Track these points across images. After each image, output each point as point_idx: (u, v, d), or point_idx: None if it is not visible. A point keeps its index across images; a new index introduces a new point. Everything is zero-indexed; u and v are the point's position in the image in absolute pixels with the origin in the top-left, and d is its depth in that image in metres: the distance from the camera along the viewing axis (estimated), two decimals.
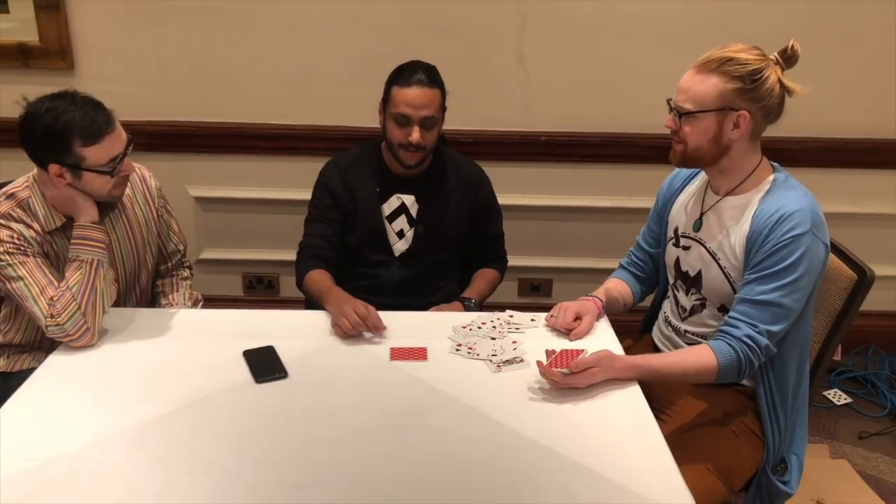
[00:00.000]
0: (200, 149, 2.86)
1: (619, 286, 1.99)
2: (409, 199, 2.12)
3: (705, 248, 1.75)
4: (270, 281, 3.12)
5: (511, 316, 1.89)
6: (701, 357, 1.63)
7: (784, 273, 1.59)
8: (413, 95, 1.95)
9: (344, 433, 1.47)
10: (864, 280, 1.71)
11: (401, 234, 2.13)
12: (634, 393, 1.58)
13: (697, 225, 1.77)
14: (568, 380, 1.56)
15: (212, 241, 3.03)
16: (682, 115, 1.62)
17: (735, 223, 1.68)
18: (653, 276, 2.01)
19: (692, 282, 1.80)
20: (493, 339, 1.79)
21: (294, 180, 2.87)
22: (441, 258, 2.17)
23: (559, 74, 2.76)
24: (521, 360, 1.70)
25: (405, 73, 1.98)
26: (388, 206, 2.12)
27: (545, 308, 1.89)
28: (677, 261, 1.84)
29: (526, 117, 2.83)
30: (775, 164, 1.72)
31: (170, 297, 2.06)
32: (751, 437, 1.73)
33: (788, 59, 1.61)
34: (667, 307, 1.93)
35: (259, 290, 3.13)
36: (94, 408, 1.52)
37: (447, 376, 1.64)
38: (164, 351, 1.73)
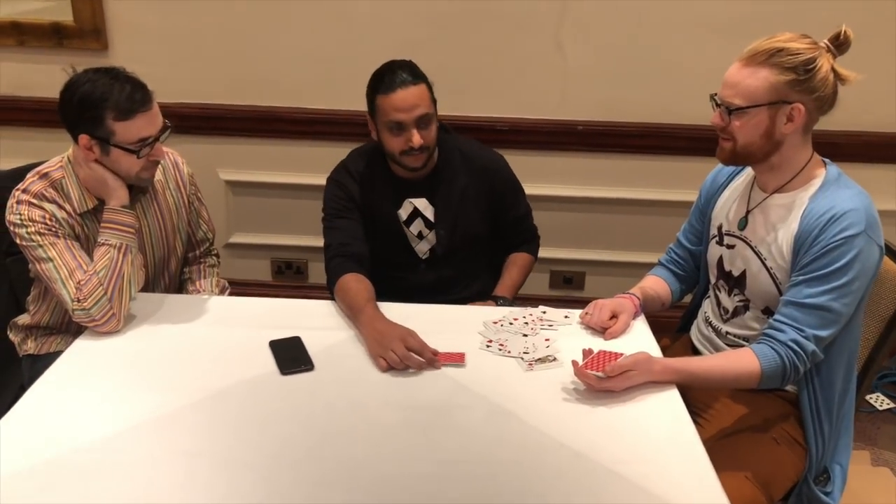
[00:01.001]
0: (232, 132, 2.83)
1: (657, 284, 1.92)
2: (421, 203, 2.03)
3: (750, 247, 1.67)
4: (299, 267, 3.09)
5: (544, 312, 1.83)
6: (744, 361, 1.56)
7: (834, 276, 1.51)
8: (401, 98, 1.84)
9: (368, 429, 1.43)
10: None
11: (420, 236, 2.05)
12: (672, 398, 1.52)
13: (742, 223, 1.69)
14: (603, 383, 1.50)
15: (241, 225, 3.00)
16: (731, 111, 1.54)
17: (783, 222, 1.61)
18: (693, 274, 1.94)
19: (735, 282, 1.72)
20: (525, 335, 1.74)
21: (325, 166, 2.76)
22: (469, 255, 2.10)
23: (598, 62, 2.68)
24: (554, 359, 1.64)
25: (385, 79, 1.87)
26: (403, 212, 2.03)
27: (577, 302, 1.84)
28: (720, 260, 1.76)
29: (563, 106, 2.75)
30: (827, 159, 1.64)
31: (197, 283, 2.04)
32: (793, 446, 1.66)
33: (840, 45, 1.53)
34: (707, 307, 1.85)
35: (288, 275, 3.10)
36: (117, 396, 1.50)
37: (477, 374, 1.59)
38: (189, 339, 1.70)
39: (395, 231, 2.04)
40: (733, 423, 1.67)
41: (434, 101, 1.94)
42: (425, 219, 2.04)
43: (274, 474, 1.31)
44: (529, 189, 2.23)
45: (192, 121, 2.77)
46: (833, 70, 1.51)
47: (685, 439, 1.41)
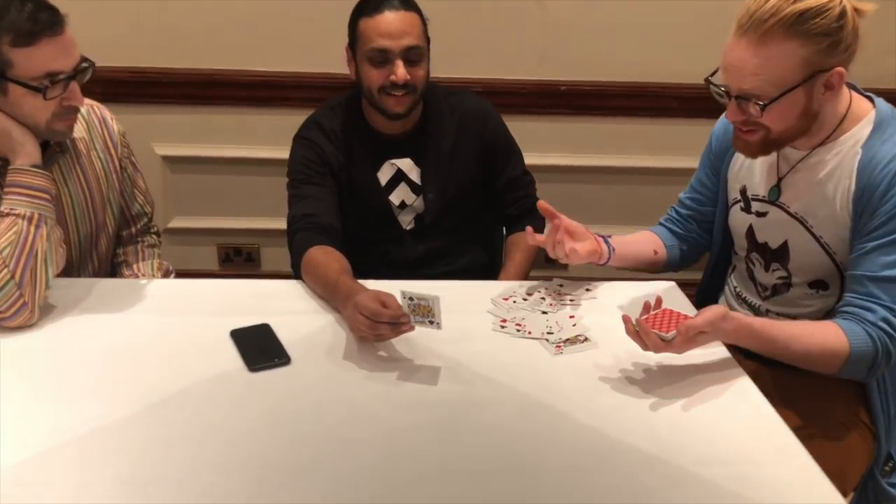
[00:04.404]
0: (168, 99, 2.50)
1: (644, 236, 1.64)
2: (405, 164, 1.73)
3: (790, 214, 1.40)
4: (250, 253, 2.76)
5: (561, 286, 1.55)
6: (830, 336, 1.28)
7: None
8: (388, 22, 1.57)
9: (371, 437, 1.11)
10: None
11: (403, 206, 1.75)
12: (743, 382, 1.25)
13: (775, 192, 1.42)
14: (668, 346, 1.21)
15: (182, 208, 2.66)
16: (763, 105, 1.24)
17: (832, 180, 1.34)
18: (699, 238, 1.66)
19: (774, 255, 1.45)
20: (545, 312, 1.44)
21: (277, 136, 2.47)
22: (460, 221, 1.79)
23: (581, 15, 2.45)
24: (586, 339, 1.36)
25: (372, 1, 1.61)
26: (382, 176, 1.73)
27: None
28: (750, 230, 1.49)
29: (543, 65, 2.51)
30: (870, 93, 1.38)
31: (134, 267, 1.68)
32: (863, 431, 1.41)
33: None
34: (737, 282, 1.58)
35: (237, 263, 2.77)
36: (33, 408, 1.15)
37: (495, 361, 1.30)
38: (127, 332, 1.35)
39: (375, 199, 1.73)
40: (796, 406, 1.40)
41: (428, 40, 1.65)
42: (410, 182, 1.73)
43: (250, 499, 0.98)
44: None
45: (122, 87, 2.43)
46: (853, 8, 1.23)
47: (773, 430, 1.14)
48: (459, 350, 1.31)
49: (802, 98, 1.25)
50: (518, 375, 1.25)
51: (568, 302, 1.49)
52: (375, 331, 1.26)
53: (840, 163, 1.33)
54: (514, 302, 1.48)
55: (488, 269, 1.86)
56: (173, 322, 1.39)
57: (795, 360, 1.32)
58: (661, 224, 1.71)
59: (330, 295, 1.43)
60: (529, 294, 1.51)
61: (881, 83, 2.27)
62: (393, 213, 1.74)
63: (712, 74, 1.31)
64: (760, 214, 1.46)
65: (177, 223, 2.66)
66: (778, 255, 1.45)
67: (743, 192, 1.49)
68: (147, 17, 2.38)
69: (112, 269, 1.69)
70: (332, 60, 2.40)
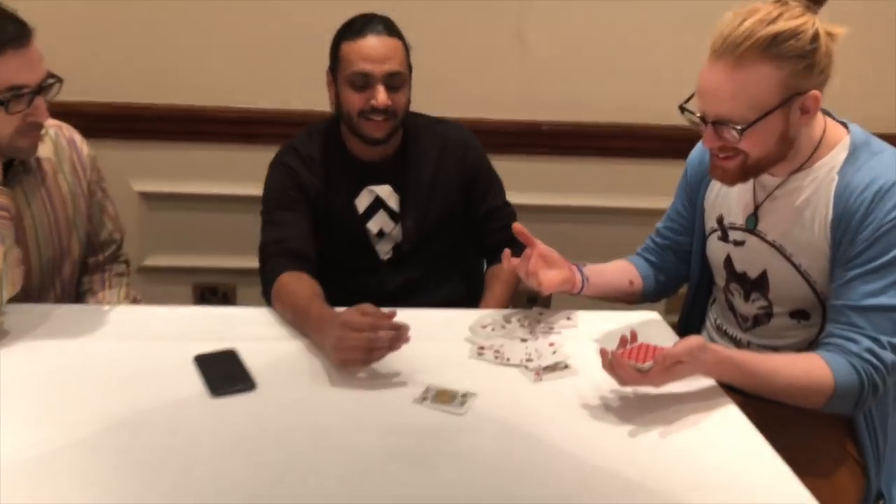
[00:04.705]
0: (147, 135, 2.45)
1: (622, 265, 1.61)
2: (384, 191, 1.69)
3: (769, 243, 1.37)
4: (226, 293, 2.70)
5: (541, 314, 1.50)
6: (812, 369, 1.23)
7: (893, 267, 1.22)
8: (370, 46, 1.56)
9: (337, 463, 1.05)
10: None
11: (381, 235, 1.71)
12: (731, 411, 1.20)
13: (752, 221, 1.40)
14: (643, 378, 1.16)
15: (158, 245, 2.59)
16: (741, 130, 1.22)
17: (809, 206, 1.31)
18: (676, 268, 1.62)
19: (753, 285, 1.42)
20: (525, 340, 1.39)
21: (258, 173, 2.43)
22: (439, 251, 1.75)
23: (563, 56, 2.45)
24: (566, 367, 1.30)
25: (356, 24, 1.60)
26: (361, 203, 1.69)
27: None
28: (728, 259, 1.46)
29: (525, 104, 2.50)
30: (845, 119, 1.36)
31: (99, 295, 1.62)
32: (852, 466, 1.36)
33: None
34: (717, 313, 1.54)
35: (213, 302, 2.70)
36: None
37: (472, 386, 1.23)
38: (85, 356, 1.29)
39: (352, 227, 1.68)
40: (781, 442, 1.35)
41: (410, 67, 1.64)
42: (389, 210, 1.69)
43: None
44: None
45: (100, 122, 2.38)
46: (826, 32, 1.21)
47: (765, 460, 1.09)
48: (434, 376, 1.25)
49: (779, 122, 1.23)
50: (495, 402, 1.20)
51: (548, 330, 1.44)
52: (373, 345, 1.20)
53: (817, 189, 1.31)
54: (493, 329, 1.43)
55: (468, 303, 1.81)
56: (134, 347, 1.32)
57: (778, 395, 1.27)
58: (637, 254, 1.68)
59: (301, 320, 1.38)
60: (508, 321, 1.46)
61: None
62: (370, 242, 1.70)
63: (687, 101, 1.30)
64: (738, 243, 1.43)
65: (152, 261, 2.59)
66: (757, 285, 1.41)
67: (720, 220, 1.47)
68: (127, 53, 2.36)
69: (77, 297, 1.63)
70: (313, 98, 2.37)
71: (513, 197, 2.52)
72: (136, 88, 2.38)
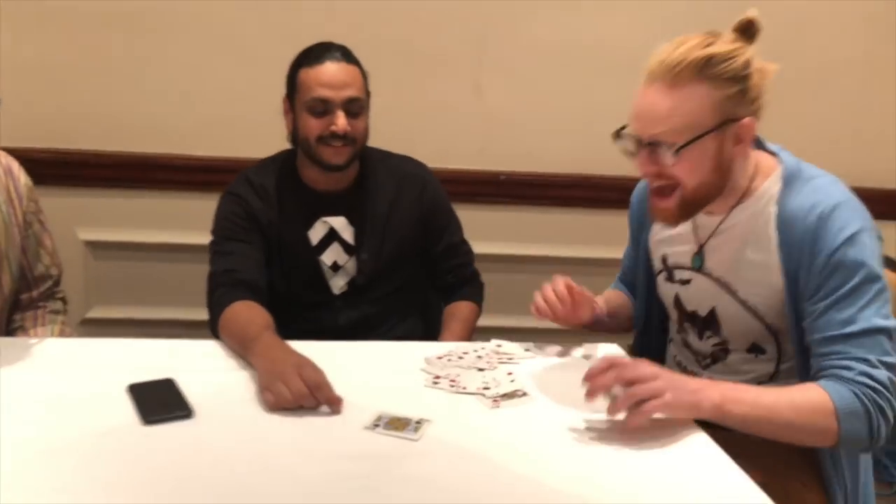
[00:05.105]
0: (94, 182, 2.38)
1: (616, 295, 1.61)
2: (338, 222, 1.66)
3: (714, 279, 1.35)
4: None
5: (499, 345, 1.45)
6: (811, 395, 1.16)
7: (860, 288, 1.19)
8: (330, 73, 1.56)
9: (281, 489, 0.97)
10: None
11: (335, 268, 1.66)
12: (698, 437, 1.14)
13: (698, 261, 1.38)
14: (631, 419, 1.11)
15: (104, 297, 2.48)
16: (676, 149, 1.20)
17: (753, 240, 1.29)
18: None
19: (704, 323, 1.39)
20: (482, 369, 1.33)
21: (207, 222, 2.40)
22: (395, 286, 1.71)
23: (521, 107, 2.46)
24: (525, 394, 1.25)
25: (314, 52, 1.60)
26: (314, 235, 1.66)
27: None
28: (677, 299, 1.43)
29: (483, 154, 2.50)
30: (773, 146, 1.34)
31: (31, 332, 1.52)
32: (821, 493, 1.30)
33: (752, 33, 1.23)
34: (676, 350, 1.51)
35: None
36: None
37: (425, 412, 1.17)
38: (8, 388, 1.19)
39: (304, 259, 1.63)
40: (752, 464, 1.29)
41: (368, 94, 1.64)
42: (344, 242, 1.65)
43: None
44: None
45: (46, 168, 2.28)
46: (758, 66, 1.22)
47: (740, 488, 1.03)
48: (388, 404, 1.18)
49: (714, 146, 1.21)
50: (451, 428, 1.13)
51: (506, 360, 1.38)
52: (303, 401, 1.15)
53: (758, 222, 1.28)
54: (449, 360, 1.37)
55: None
56: (62, 378, 1.23)
57: (781, 431, 1.17)
58: (619, 281, 1.68)
59: (249, 345, 1.31)
60: (465, 353, 1.41)
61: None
62: (323, 275, 1.65)
63: (621, 130, 1.27)
64: (685, 282, 1.40)
65: (98, 313, 2.48)
66: (709, 323, 1.38)
67: (664, 260, 1.44)
68: (75, 98, 2.31)
69: (7, 335, 1.53)
70: (266, 146, 2.35)
71: (472, 246, 2.50)
72: (83, 135, 2.32)
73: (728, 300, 1.33)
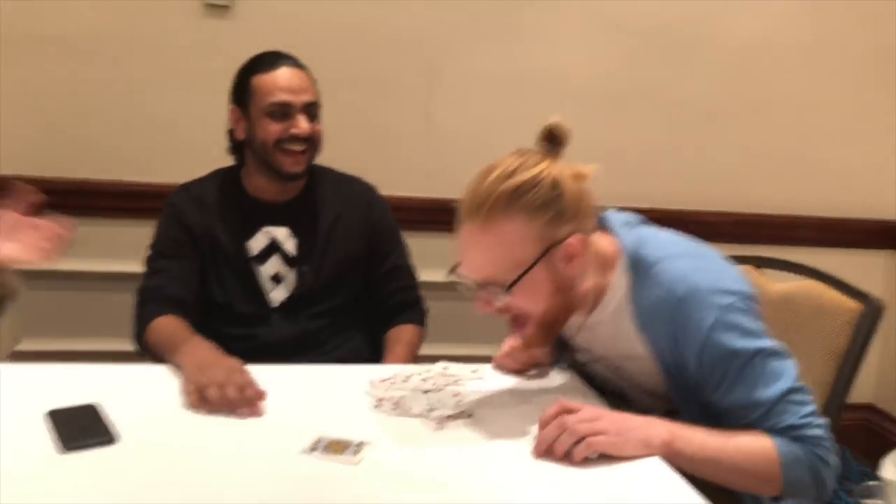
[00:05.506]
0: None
1: None
2: (281, 233, 1.63)
3: (605, 364, 1.34)
4: None
5: (445, 367, 1.41)
6: (757, 441, 1.12)
7: (746, 369, 1.12)
8: (287, 77, 1.57)
9: None
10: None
11: (277, 279, 1.62)
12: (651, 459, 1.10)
13: (586, 354, 1.36)
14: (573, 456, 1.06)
15: (33, 329, 2.38)
16: (507, 289, 1.14)
17: (624, 337, 1.23)
18: None
19: (618, 395, 1.37)
20: (427, 391, 1.29)
21: (143, 250, 2.33)
22: (337, 303, 1.66)
23: (471, 133, 2.46)
24: (471, 416, 1.21)
25: (266, 59, 1.60)
26: (255, 245, 1.62)
27: None
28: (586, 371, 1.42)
29: (433, 181, 2.48)
30: (612, 217, 1.26)
31: None
32: None
33: (558, 142, 1.18)
34: None
35: None
36: None
37: (366, 433, 1.12)
38: None
39: (242, 270, 1.60)
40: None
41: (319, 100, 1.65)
42: (285, 254, 1.61)
43: None
44: None
45: None
46: (571, 175, 1.15)
47: (680, 495, 1.00)
48: (327, 427, 1.13)
49: (544, 274, 1.14)
50: (394, 450, 1.08)
51: (452, 382, 1.34)
52: (239, 392, 1.16)
53: (619, 324, 1.22)
54: (393, 383, 1.32)
55: (372, 363, 1.70)
56: None
57: (725, 475, 1.12)
58: None
59: (177, 347, 1.32)
60: (410, 375, 1.36)
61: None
62: (259, 286, 1.61)
63: (454, 268, 1.21)
64: (584, 364, 1.40)
65: (26, 346, 2.36)
66: (621, 396, 1.36)
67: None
68: (8, 124, 2.23)
69: None
70: (202, 172, 2.31)
71: (421, 274, 2.46)
72: (15, 159, 2.23)
73: (627, 385, 1.33)
